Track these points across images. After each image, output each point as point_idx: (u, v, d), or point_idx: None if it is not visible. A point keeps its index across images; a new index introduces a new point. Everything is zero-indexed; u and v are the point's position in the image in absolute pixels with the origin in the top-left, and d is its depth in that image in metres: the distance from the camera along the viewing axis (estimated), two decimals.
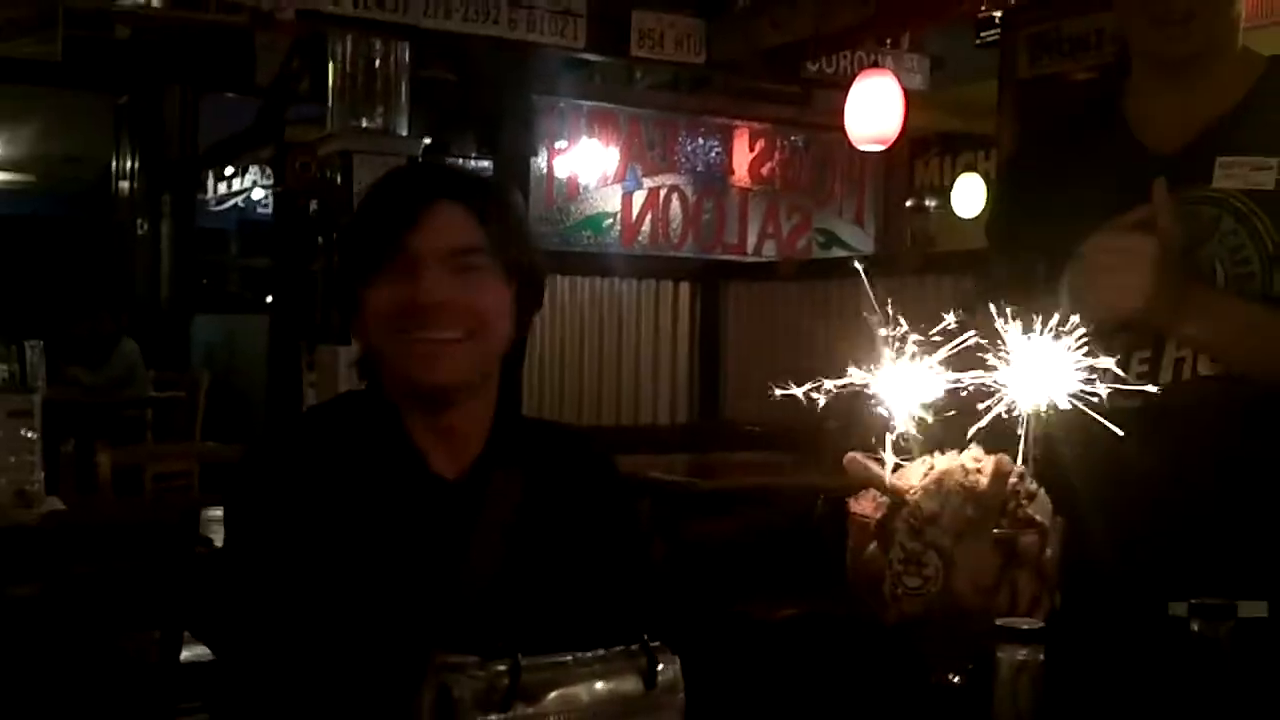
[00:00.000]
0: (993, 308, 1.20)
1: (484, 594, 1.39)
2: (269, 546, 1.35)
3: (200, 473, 4.95)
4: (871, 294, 1.28)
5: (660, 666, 0.88)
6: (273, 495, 1.38)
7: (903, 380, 1.21)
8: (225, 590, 1.38)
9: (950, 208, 8.17)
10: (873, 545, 1.24)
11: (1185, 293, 1.38)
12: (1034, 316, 1.20)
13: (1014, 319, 1.22)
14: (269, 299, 8.87)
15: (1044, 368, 1.18)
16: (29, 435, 2.90)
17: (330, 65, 5.93)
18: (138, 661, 2.72)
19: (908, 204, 7.79)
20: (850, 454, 1.22)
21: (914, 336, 1.21)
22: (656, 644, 0.89)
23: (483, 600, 1.38)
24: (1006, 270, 1.60)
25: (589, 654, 0.87)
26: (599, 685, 0.85)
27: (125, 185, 9.87)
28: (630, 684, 0.87)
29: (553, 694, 0.83)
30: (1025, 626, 1.04)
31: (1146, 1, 1.51)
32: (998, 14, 5.40)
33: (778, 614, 3.95)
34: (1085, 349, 1.19)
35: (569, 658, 0.86)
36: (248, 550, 1.37)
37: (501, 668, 0.82)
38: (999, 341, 1.21)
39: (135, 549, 2.84)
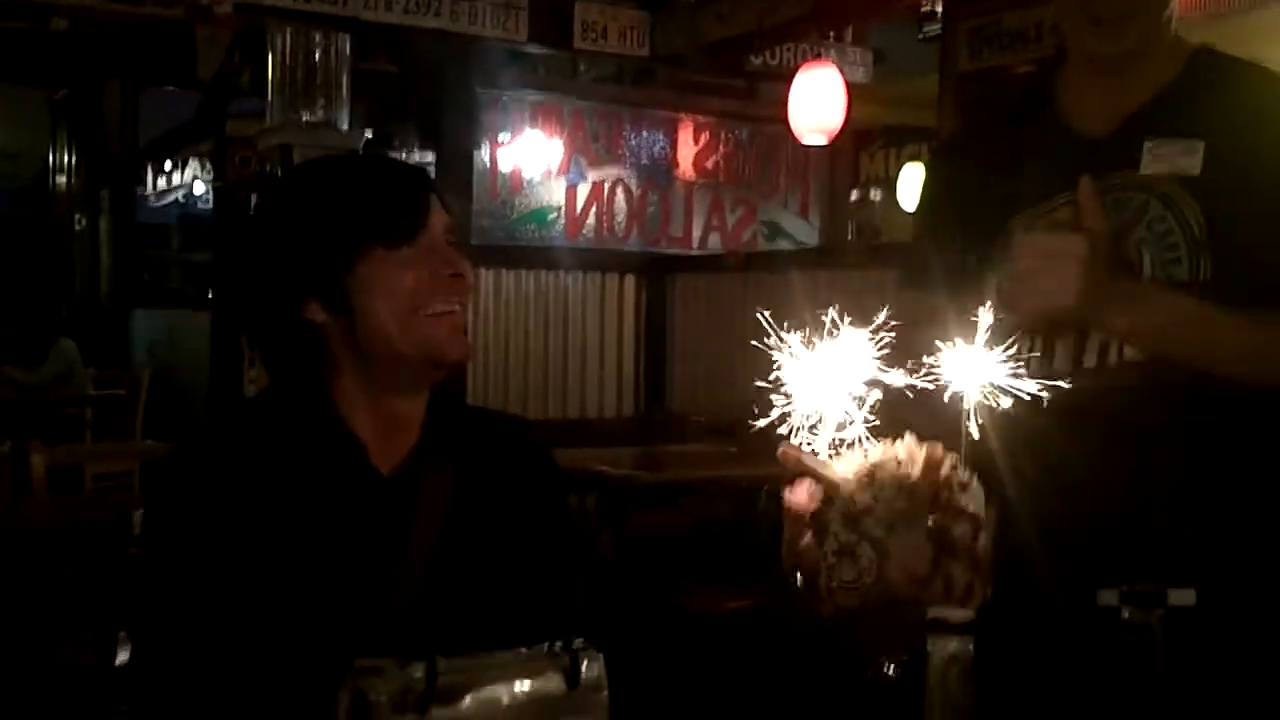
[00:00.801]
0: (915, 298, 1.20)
1: (418, 591, 1.37)
2: (191, 545, 1.33)
3: (141, 472, 4.89)
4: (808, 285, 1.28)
5: (584, 665, 0.86)
6: (196, 493, 1.36)
7: (831, 372, 1.20)
8: (145, 590, 1.35)
9: (895, 199, 8.21)
10: (808, 537, 1.23)
11: (1113, 289, 1.39)
12: (962, 308, 1.20)
13: (942, 311, 1.22)
14: (210, 294, 8.77)
15: (971, 360, 1.18)
16: None
17: (270, 58, 5.86)
18: (72, 666, 2.67)
19: (853, 196, 7.82)
20: (784, 446, 1.21)
21: (844, 329, 1.20)
22: (580, 642, 0.88)
23: (416, 597, 1.37)
24: (937, 260, 1.61)
25: (509, 653, 0.85)
26: (520, 685, 0.84)
27: (63, 180, 9.71)
28: (553, 683, 0.85)
29: (471, 695, 0.82)
30: (956, 618, 1.03)
31: (1086, 4, 1.51)
32: (939, 8, 5.43)
33: (721, 608, 3.96)
34: (1011, 338, 1.19)
35: (489, 658, 0.84)
36: (169, 550, 1.35)
37: (418, 671, 0.81)
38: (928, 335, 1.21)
39: (69, 551, 2.79)
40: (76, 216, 9.42)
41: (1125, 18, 1.49)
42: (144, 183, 10.34)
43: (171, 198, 10.50)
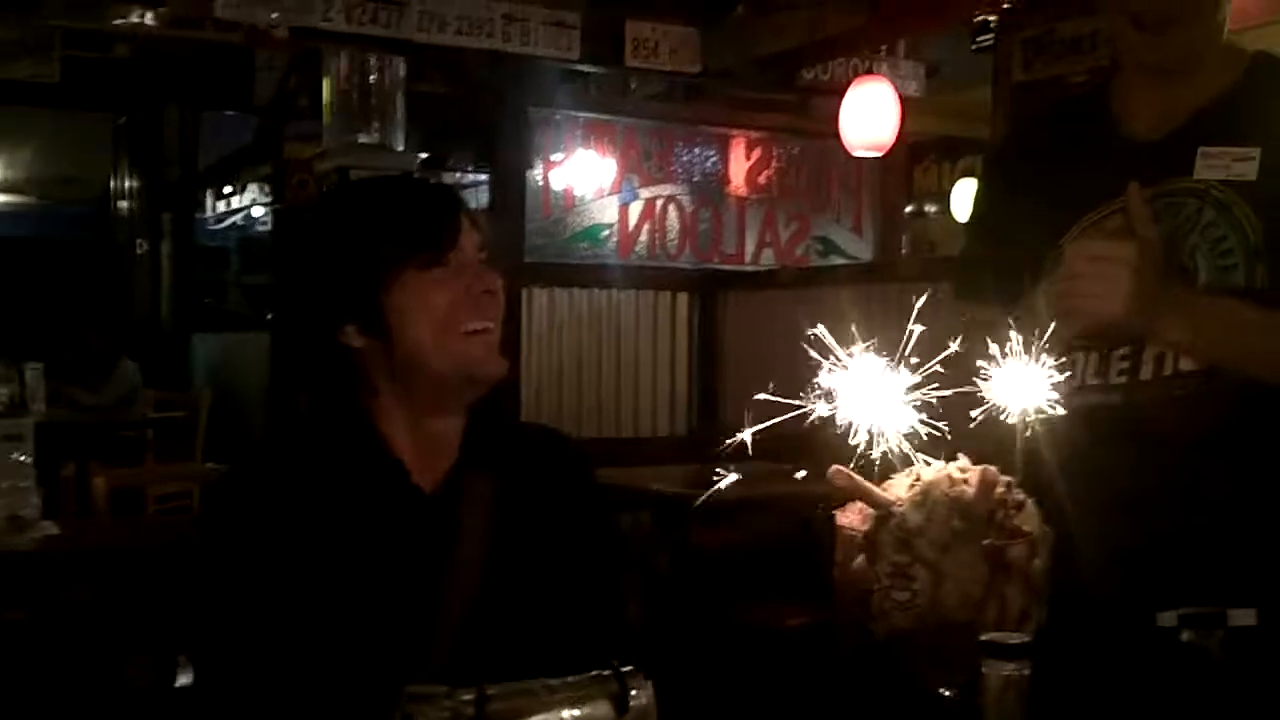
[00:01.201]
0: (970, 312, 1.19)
1: (467, 607, 1.37)
2: (242, 569, 1.34)
3: (200, 494, 4.94)
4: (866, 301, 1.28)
5: (633, 692, 0.86)
6: (248, 517, 1.37)
7: (880, 393, 1.19)
8: (198, 613, 1.36)
9: (950, 213, 8.15)
10: (860, 558, 1.22)
11: (1166, 297, 1.36)
12: (1015, 319, 1.19)
13: (996, 323, 1.21)
14: (268, 316, 8.86)
15: (1026, 374, 1.17)
16: (23, 460, 2.89)
17: (325, 81, 5.93)
18: (135, 687, 2.70)
19: (907, 210, 7.77)
20: (835, 466, 1.21)
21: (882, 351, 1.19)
22: (629, 669, 0.87)
23: (465, 614, 1.37)
24: (989, 269, 1.59)
25: (558, 680, 0.85)
26: (568, 713, 0.83)
27: (125, 205, 9.88)
28: (601, 711, 0.85)
29: None
30: (1012, 641, 1.02)
31: (1127, 6, 1.50)
32: (992, 19, 5.39)
33: (779, 624, 3.93)
34: (1064, 351, 1.17)
35: (538, 685, 0.84)
36: (221, 573, 1.36)
37: (467, 697, 0.80)
38: (984, 350, 1.19)
39: (132, 572, 2.83)
40: (137, 240, 9.57)
41: (1169, 23, 1.48)
42: (203, 206, 10.48)
43: (230, 221, 10.63)
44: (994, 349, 1.19)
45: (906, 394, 1.19)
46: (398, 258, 1.37)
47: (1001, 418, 1.18)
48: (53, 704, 2.64)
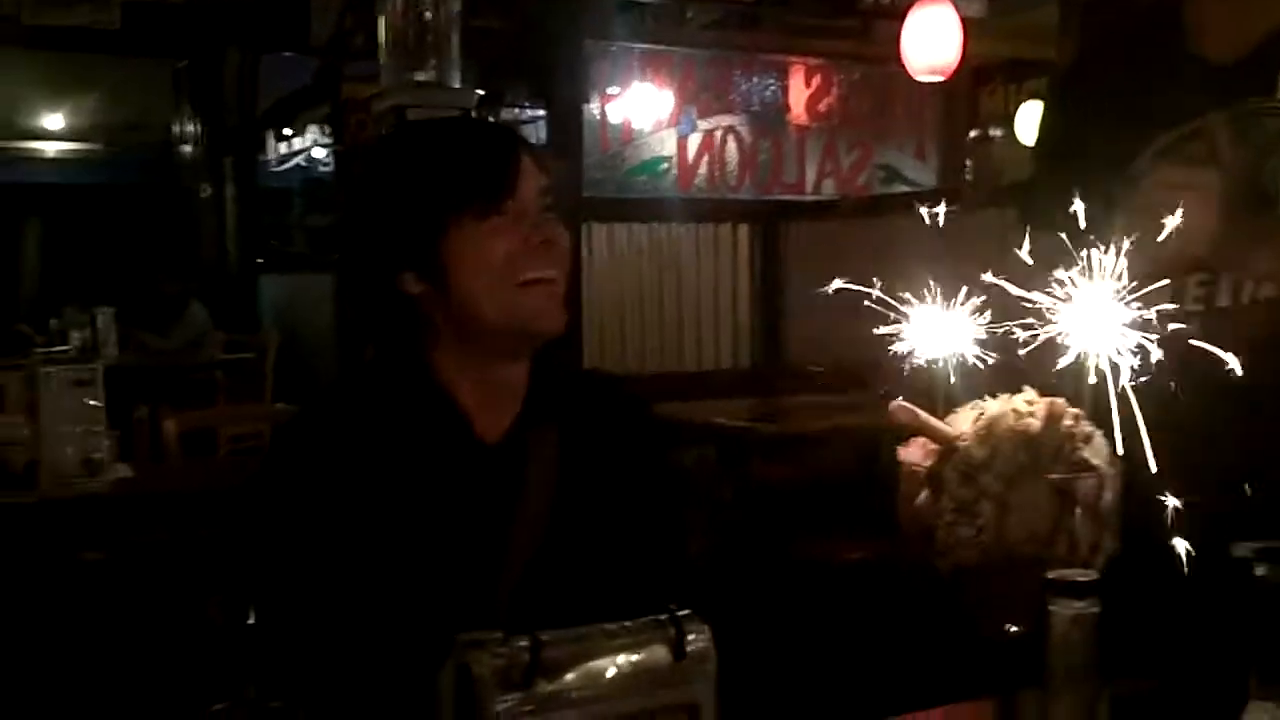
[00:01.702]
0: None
1: (531, 558, 1.37)
2: (305, 517, 1.34)
3: (270, 434, 5.01)
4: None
5: (690, 637, 0.85)
6: (309, 468, 1.37)
7: (951, 324, 1.17)
8: (262, 560, 1.37)
9: (1015, 137, 7.99)
10: (924, 494, 1.21)
11: (1251, 229, 1.32)
12: (1085, 247, 1.16)
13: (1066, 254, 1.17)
14: (335, 257, 8.92)
15: (1096, 303, 1.13)
16: (93, 404, 2.94)
17: (381, 20, 5.91)
18: (213, 625, 2.76)
19: (971, 135, 7.63)
20: (896, 401, 1.18)
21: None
22: (686, 613, 0.86)
23: (531, 565, 1.37)
24: (1057, 195, 1.55)
25: (614, 626, 0.85)
26: (625, 658, 0.83)
27: (187, 149, 9.96)
28: (658, 655, 0.84)
29: (576, 669, 0.81)
30: (1079, 579, 1.00)
31: None
32: None
33: (841, 558, 3.93)
34: (1138, 280, 1.14)
35: (594, 630, 0.84)
36: (284, 521, 1.36)
37: (523, 643, 0.80)
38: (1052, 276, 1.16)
39: (204, 513, 2.87)
40: (202, 184, 9.66)
41: None
42: (265, 149, 10.54)
43: (293, 163, 10.68)
44: (1062, 276, 1.15)
45: (975, 326, 1.16)
46: (454, 205, 1.34)
47: (1069, 348, 1.15)
48: (131, 643, 2.70)
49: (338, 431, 1.39)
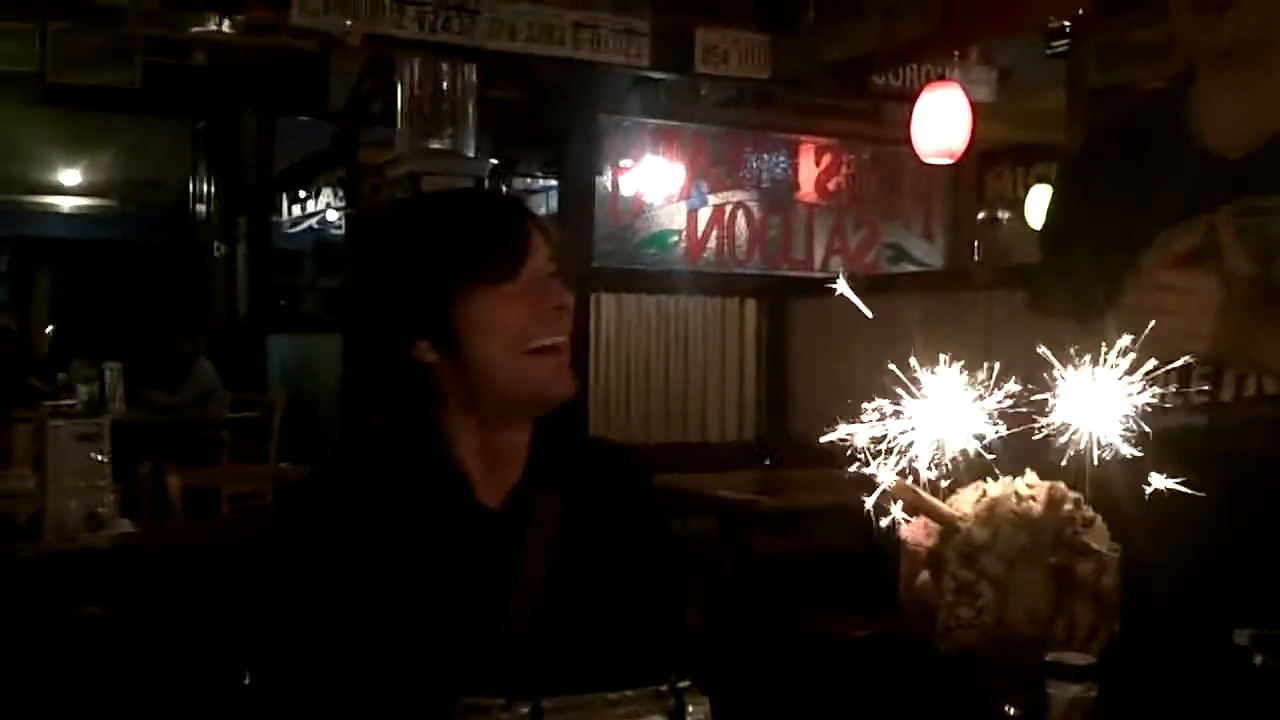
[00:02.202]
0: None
1: (529, 624, 1.37)
2: (305, 580, 1.34)
3: (275, 494, 5.01)
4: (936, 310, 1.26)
5: (690, 709, 0.85)
6: (312, 531, 1.37)
7: (952, 408, 1.18)
8: (261, 621, 1.37)
9: (1024, 219, 8.05)
10: (925, 574, 1.21)
11: (1258, 329, 1.33)
12: (1089, 336, 1.17)
13: (1070, 339, 1.19)
14: (341, 322, 8.94)
15: (1101, 393, 1.15)
16: (99, 459, 2.95)
17: (399, 88, 6.00)
18: (208, 683, 2.75)
19: (979, 216, 7.69)
20: (896, 481, 1.19)
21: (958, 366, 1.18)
22: (685, 684, 0.87)
23: (528, 630, 1.37)
24: (1063, 282, 1.56)
25: (615, 695, 0.85)
26: None
27: (203, 208, 10.05)
28: None
29: None
30: (1077, 662, 1.00)
31: None
32: (1067, 24, 5.32)
33: (844, 634, 3.91)
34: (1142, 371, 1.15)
35: (594, 698, 0.84)
36: (285, 583, 1.36)
37: (525, 710, 0.81)
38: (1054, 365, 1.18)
39: (205, 570, 2.87)
40: (215, 243, 9.73)
41: (1224, 4, 1.44)
42: (279, 210, 10.64)
43: (306, 225, 10.78)
44: (1067, 365, 1.17)
45: (981, 410, 1.18)
46: (468, 273, 1.36)
47: (1073, 436, 1.16)
48: (128, 698, 2.69)
49: (342, 495, 1.39)
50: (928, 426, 1.20)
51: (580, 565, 1.42)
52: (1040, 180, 8.21)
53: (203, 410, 7.46)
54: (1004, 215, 8.72)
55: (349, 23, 4.94)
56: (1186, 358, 1.33)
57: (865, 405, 1.21)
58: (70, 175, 11.21)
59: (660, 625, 1.47)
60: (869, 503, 1.22)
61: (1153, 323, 1.26)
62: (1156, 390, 1.16)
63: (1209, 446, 1.30)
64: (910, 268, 6.70)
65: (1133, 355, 1.14)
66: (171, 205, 10.77)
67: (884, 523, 1.25)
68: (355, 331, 1.45)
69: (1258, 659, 1.07)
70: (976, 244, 7.45)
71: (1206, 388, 1.44)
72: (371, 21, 4.98)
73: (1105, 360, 1.15)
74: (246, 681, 1.39)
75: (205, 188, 10.01)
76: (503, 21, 5.20)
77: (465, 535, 1.39)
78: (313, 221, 10.68)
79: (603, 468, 1.53)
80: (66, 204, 11.38)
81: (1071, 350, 1.16)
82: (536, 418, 1.45)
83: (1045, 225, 1.76)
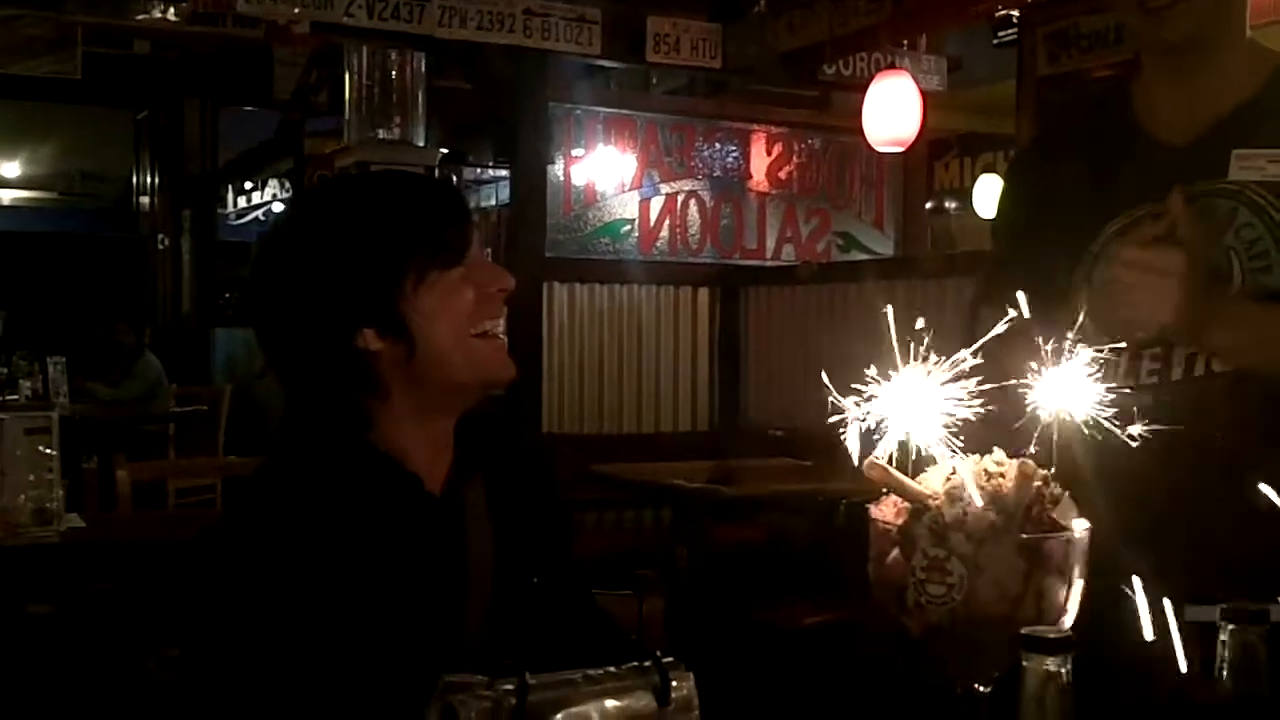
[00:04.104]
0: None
1: (485, 603, 1.38)
2: (264, 584, 1.29)
3: (222, 487, 4.96)
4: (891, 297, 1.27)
5: (674, 683, 0.85)
6: (265, 533, 1.33)
7: (919, 389, 1.18)
8: (220, 629, 1.31)
9: (971, 209, 8.13)
10: (895, 552, 1.21)
11: (1213, 306, 1.36)
12: (1048, 322, 1.18)
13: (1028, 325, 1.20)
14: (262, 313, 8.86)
15: (1057, 378, 1.16)
16: (47, 452, 2.90)
17: (347, 77, 5.95)
18: (158, 680, 2.71)
19: (928, 206, 7.75)
20: (870, 459, 1.20)
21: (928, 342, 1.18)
22: (670, 659, 0.87)
23: (486, 609, 1.38)
24: (1017, 273, 1.58)
25: (599, 671, 0.85)
26: (610, 703, 0.83)
27: (146, 200, 9.93)
28: (643, 701, 0.84)
29: (562, 713, 0.81)
30: (1052, 635, 1.01)
31: None
32: (1015, 13, 5.37)
33: (800, 623, 3.92)
34: (1097, 353, 1.16)
35: (579, 675, 0.84)
36: (245, 589, 1.30)
37: (508, 687, 0.80)
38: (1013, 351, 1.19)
39: (154, 565, 2.83)
40: (159, 236, 9.63)
41: (1174, 1, 1.47)
42: (224, 202, 10.53)
43: (251, 216, 10.68)
44: (1022, 352, 1.18)
45: (939, 393, 1.18)
46: (420, 258, 1.32)
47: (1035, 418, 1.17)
48: (77, 697, 2.65)
49: (293, 491, 1.35)
50: (894, 409, 1.20)
51: (514, 541, 1.43)
52: (988, 170, 8.29)
53: (147, 404, 7.38)
54: (952, 204, 8.81)
55: (296, 10, 4.88)
56: (1146, 333, 1.36)
57: (835, 389, 1.21)
58: (10, 167, 11.04)
59: (588, 601, 1.53)
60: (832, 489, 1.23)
61: (1121, 297, 1.28)
62: (1110, 372, 1.17)
63: (1159, 423, 1.32)
64: (861, 256, 6.74)
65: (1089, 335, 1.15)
66: (114, 197, 10.65)
67: (844, 509, 1.25)
68: (290, 320, 1.37)
69: (1225, 631, 1.08)
70: (927, 233, 7.52)
71: (1157, 366, 1.48)
72: (320, 9, 4.93)
73: (1060, 347, 1.17)
74: (200, 680, 1.35)
75: (148, 179, 9.89)
76: (452, 9, 5.16)
77: (417, 523, 1.36)
78: (259, 213, 10.59)
79: (512, 448, 1.53)
80: (7, 196, 11.21)
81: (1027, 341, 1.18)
82: (470, 408, 1.44)
83: (996, 218, 1.77)
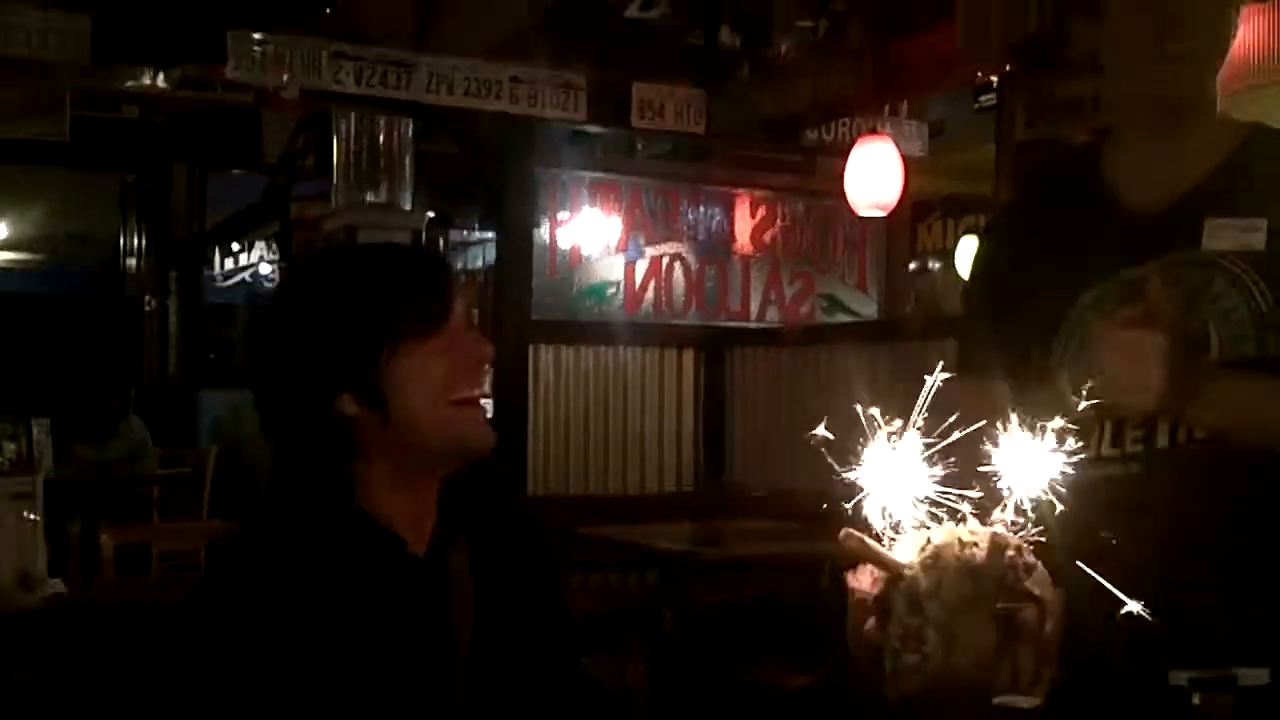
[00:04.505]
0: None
1: (468, 667, 1.39)
2: (245, 649, 1.31)
3: (206, 551, 4.92)
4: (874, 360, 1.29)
5: None
6: (246, 596, 1.34)
7: (895, 466, 1.20)
8: (200, 695, 1.32)
9: (954, 269, 8.17)
10: (871, 621, 1.23)
11: (1195, 384, 1.37)
12: (1021, 392, 1.20)
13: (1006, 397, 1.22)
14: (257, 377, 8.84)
15: (1036, 448, 1.18)
16: (31, 518, 2.89)
17: (335, 141, 5.99)
18: None
19: (911, 266, 7.81)
20: (846, 530, 1.21)
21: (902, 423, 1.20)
22: None
23: (468, 672, 1.38)
24: (991, 341, 1.59)
25: None
26: None
27: (133, 263, 9.93)
28: None
29: None
30: (1024, 705, 1.02)
31: (1157, 39, 1.50)
32: (994, 80, 5.44)
33: (785, 684, 3.91)
34: (1080, 424, 1.18)
35: None
36: (225, 654, 1.31)
37: None
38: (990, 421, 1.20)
39: (137, 630, 2.82)
40: (146, 298, 9.61)
41: (1195, 55, 1.49)
42: (211, 264, 10.54)
43: (238, 279, 10.69)
44: (1001, 424, 1.19)
45: (919, 462, 1.20)
46: (397, 327, 1.36)
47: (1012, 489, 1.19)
48: None
49: (274, 553, 1.37)
50: (876, 478, 1.22)
51: (496, 606, 1.44)
52: (970, 231, 8.35)
53: (132, 467, 7.33)
54: (934, 265, 8.86)
55: (286, 77, 4.93)
56: (1130, 415, 1.37)
57: (826, 458, 1.23)
58: None
59: (574, 666, 1.52)
60: (817, 551, 1.24)
61: (1103, 380, 1.29)
62: (1094, 442, 1.19)
63: (1147, 494, 1.34)
64: (845, 318, 6.78)
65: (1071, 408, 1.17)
66: (101, 259, 10.64)
67: (829, 572, 1.26)
68: (276, 384, 1.41)
69: (1196, 698, 1.09)
70: (910, 294, 7.56)
71: (1141, 434, 1.48)
72: (308, 76, 4.98)
73: (1038, 416, 1.18)
74: None
75: (136, 241, 9.89)
76: (440, 76, 5.22)
77: (400, 587, 1.38)
78: (245, 275, 10.60)
79: (500, 513, 1.55)
80: None
81: (1004, 409, 1.19)
82: (451, 473, 1.45)
83: (970, 284, 1.78)
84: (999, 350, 1.56)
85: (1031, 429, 1.17)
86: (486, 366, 1.44)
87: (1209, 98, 1.55)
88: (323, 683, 1.30)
